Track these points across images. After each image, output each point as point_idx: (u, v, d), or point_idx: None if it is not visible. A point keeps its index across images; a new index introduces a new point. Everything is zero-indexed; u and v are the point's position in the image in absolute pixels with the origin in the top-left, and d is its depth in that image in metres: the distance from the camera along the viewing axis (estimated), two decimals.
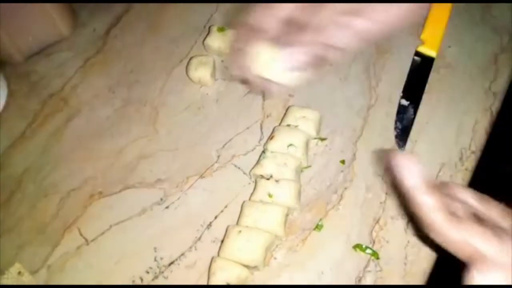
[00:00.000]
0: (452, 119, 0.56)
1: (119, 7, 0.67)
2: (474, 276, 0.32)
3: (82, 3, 0.68)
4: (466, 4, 0.64)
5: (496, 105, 0.58)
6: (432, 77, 0.59)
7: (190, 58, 0.60)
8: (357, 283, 0.46)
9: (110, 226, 0.51)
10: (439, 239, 0.33)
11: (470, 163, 0.54)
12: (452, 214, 0.33)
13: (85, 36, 0.66)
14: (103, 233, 0.50)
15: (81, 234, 0.50)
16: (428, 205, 0.33)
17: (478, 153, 0.54)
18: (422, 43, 0.61)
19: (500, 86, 0.59)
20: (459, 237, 0.32)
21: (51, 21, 0.63)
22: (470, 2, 0.65)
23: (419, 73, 0.59)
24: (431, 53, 0.60)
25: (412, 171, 0.34)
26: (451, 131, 0.55)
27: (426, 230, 0.34)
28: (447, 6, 0.63)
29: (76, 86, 0.61)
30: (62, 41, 0.65)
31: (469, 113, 0.57)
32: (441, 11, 0.63)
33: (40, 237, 0.50)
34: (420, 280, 0.47)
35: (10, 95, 0.61)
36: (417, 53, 0.60)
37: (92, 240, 0.50)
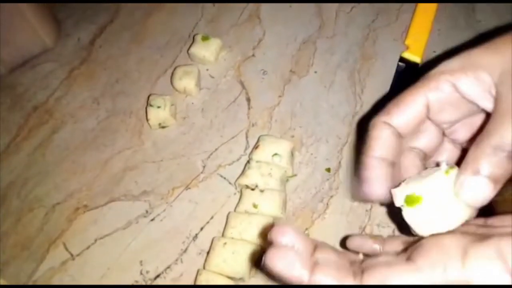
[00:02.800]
0: None
1: (103, 17, 0.67)
2: None
3: (65, 13, 0.67)
4: (450, 9, 0.65)
5: None
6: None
7: (175, 68, 0.60)
8: None
9: (95, 240, 0.50)
10: None
11: None
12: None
13: (70, 46, 0.65)
14: (88, 247, 0.50)
15: (66, 249, 0.50)
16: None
17: None
18: (407, 48, 0.61)
19: None
20: None
21: (34, 32, 0.62)
22: (455, 2, 0.65)
23: (404, 79, 0.59)
24: (416, 58, 0.60)
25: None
26: None
27: None
28: (431, 10, 0.63)
29: (61, 98, 0.61)
30: (46, 52, 0.65)
31: None
32: (425, 16, 0.63)
33: (25, 253, 0.50)
34: None
35: None
36: (402, 59, 0.60)
37: (78, 255, 0.50)
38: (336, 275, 0.28)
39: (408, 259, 0.28)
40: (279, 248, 0.28)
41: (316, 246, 0.30)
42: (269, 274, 0.28)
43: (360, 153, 0.34)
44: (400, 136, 0.34)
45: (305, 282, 0.27)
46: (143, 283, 0.48)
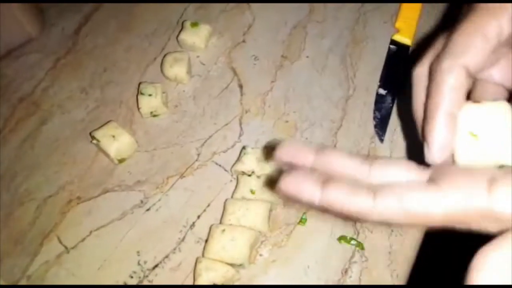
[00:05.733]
0: None
1: (88, 6, 0.65)
2: None
3: (49, 3, 0.65)
4: None
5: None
6: (409, 64, 0.59)
7: (165, 55, 0.58)
8: (344, 275, 0.47)
9: (90, 232, 0.49)
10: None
11: None
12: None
13: (54, 36, 0.63)
14: (83, 240, 0.49)
15: (60, 242, 0.49)
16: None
17: None
18: (397, 31, 0.61)
19: None
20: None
21: (18, 22, 0.60)
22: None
23: (396, 61, 0.59)
24: (406, 41, 0.60)
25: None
26: None
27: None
28: None
29: (48, 88, 0.59)
30: (30, 42, 0.63)
31: None
32: (412, 6, 0.63)
33: (18, 247, 0.49)
34: (405, 268, 0.47)
35: None
36: (393, 42, 0.60)
37: (73, 248, 0.49)
38: (349, 190, 0.27)
39: (430, 181, 0.27)
40: (289, 172, 0.29)
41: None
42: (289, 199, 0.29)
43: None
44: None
45: (318, 199, 0.27)
46: (141, 274, 0.47)
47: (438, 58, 0.31)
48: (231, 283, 0.46)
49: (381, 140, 0.54)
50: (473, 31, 0.30)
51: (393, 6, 0.64)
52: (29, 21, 0.62)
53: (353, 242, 0.48)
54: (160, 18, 0.65)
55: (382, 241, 0.48)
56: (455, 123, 0.29)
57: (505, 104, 0.29)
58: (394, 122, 0.55)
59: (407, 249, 0.48)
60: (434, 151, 0.30)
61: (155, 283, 0.46)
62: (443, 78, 0.30)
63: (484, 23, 0.30)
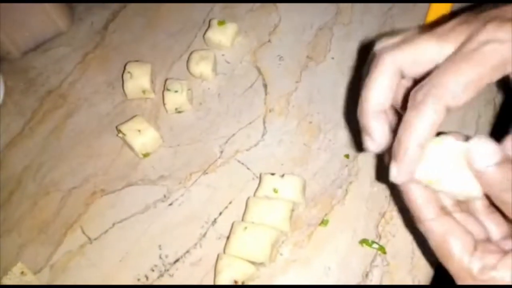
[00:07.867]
0: (454, 113, 0.56)
1: (116, 2, 0.66)
2: None
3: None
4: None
5: (499, 97, 0.57)
6: None
7: (191, 53, 0.59)
8: (364, 278, 0.46)
9: (113, 224, 0.50)
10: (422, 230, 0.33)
11: None
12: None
13: (83, 31, 0.65)
14: (106, 231, 0.50)
15: (84, 233, 0.50)
16: (419, 199, 0.32)
17: None
18: None
19: (503, 78, 0.59)
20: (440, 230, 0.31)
21: (48, 16, 0.61)
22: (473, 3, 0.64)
23: None
24: None
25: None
26: (454, 125, 0.55)
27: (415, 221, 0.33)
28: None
29: (75, 82, 0.60)
30: (59, 36, 0.64)
31: (471, 106, 0.56)
32: (443, 4, 0.62)
33: (42, 236, 0.50)
34: (427, 273, 0.47)
35: (7, 92, 0.60)
36: None
37: (95, 239, 0.49)
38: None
39: None
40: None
41: None
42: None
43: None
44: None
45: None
46: (162, 267, 0.47)
47: (423, 87, 0.30)
48: (251, 281, 0.46)
49: None
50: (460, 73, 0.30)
51: (421, 10, 0.63)
52: (58, 15, 0.63)
53: (375, 245, 0.48)
54: (186, 17, 0.65)
55: (405, 245, 0.48)
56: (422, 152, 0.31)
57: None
58: None
59: (429, 254, 0.48)
60: (402, 175, 0.31)
61: (175, 277, 0.47)
62: (424, 113, 0.30)
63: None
